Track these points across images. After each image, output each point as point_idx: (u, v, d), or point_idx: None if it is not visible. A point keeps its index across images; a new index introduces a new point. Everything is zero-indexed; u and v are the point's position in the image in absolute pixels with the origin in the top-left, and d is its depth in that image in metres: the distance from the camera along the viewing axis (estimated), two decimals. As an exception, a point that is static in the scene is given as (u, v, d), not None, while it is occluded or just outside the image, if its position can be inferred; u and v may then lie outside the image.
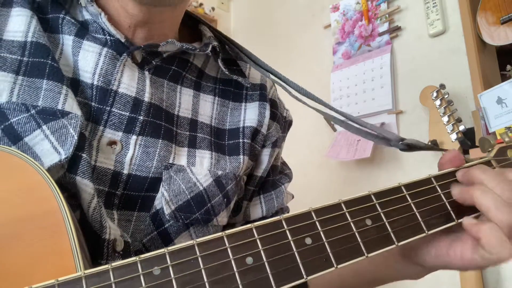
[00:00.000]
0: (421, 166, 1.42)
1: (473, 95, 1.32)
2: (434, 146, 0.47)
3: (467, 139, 1.26)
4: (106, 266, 0.27)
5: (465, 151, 1.29)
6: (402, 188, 0.39)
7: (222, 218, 0.49)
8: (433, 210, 0.38)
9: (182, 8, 0.51)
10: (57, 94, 0.40)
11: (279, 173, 0.60)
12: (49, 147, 0.38)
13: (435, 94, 1.33)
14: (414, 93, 1.44)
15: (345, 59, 1.73)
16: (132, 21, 0.47)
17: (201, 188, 0.46)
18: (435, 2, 1.45)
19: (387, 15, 1.60)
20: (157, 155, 0.44)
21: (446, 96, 1.31)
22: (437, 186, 0.40)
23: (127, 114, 0.44)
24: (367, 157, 1.49)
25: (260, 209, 0.56)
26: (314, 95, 0.52)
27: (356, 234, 0.34)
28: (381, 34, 1.61)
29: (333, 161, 1.67)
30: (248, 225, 0.31)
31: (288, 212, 0.61)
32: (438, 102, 1.32)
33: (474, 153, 1.24)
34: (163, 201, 0.44)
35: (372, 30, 1.65)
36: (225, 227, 0.52)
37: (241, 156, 0.51)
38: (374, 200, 0.37)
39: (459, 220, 0.39)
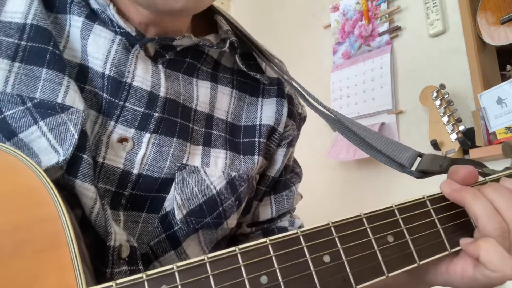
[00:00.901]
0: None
1: (473, 95, 1.32)
2: (446, 168, 0.42)
3: (467, 139, 1.26)
4: (111, 283, 0.25)
5: (465, 151, 1.29)
6: (427, 202, 0.36)
7: (232, 221, 0.47)
8: (458, 226, 0.36)
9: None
10: (58, 85, 0.36)
11: (290, 171, 0.58)
12: (46, 145, 0.34)
13: (435, 94, 1.33)
14: (414, 93, 1.44)
15: (345, 59, 1.73)
16: (143, 19, 0.43)
17: (214, 191, 0.43)
18: (435, 2, 1.45)
19: (387, 15, 1.60)
20: (171, 155, 0.42)
21: (446, 96, 1.31)
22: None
23: (142, 110, 0.40)
24: (367, 157, 1.49)
25: (270, 210, 0.54)
26: (329, 107, 0.50)
27: (377, 252, 0.32)
28: (381, 34, 1.61)
29: (333, 161, 1.67)
30: (264, 240, 0.29)
31: (294, 210, 0.60)
32: (438, 102, 1.32)
33: (474, 153, 1.24)
34: (175, 205, 0.41)
35: (372, 30, 1.65)
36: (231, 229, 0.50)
37: (256, 157, 0.49)
38: (398, 214, 0.34)
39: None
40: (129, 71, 0.40)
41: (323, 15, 1.87)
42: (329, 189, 1.68)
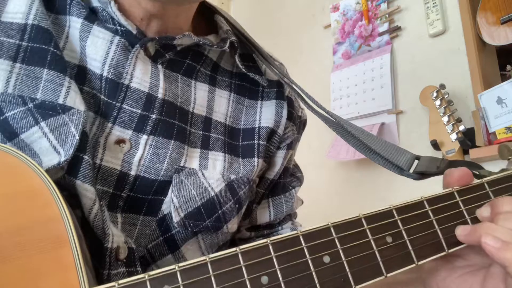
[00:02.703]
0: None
1: (473, 95, 1.32)
2: (443, 169, 0.43)
3: (467, 139, 1.26)
4: (113, 283, 0.25)
5: (465, 151, 1.29)
6: (425, 202, 0.37)
7: (233, 225, 0.46)
8: (455, 227, 0.36)
9: (195, 3, 0.47)
10: (59, 86, 0.36)
11: (290, 175, 0.57)
12: (47, 146, 0.35)
13: (435, 94, 1.33)
14: (414, 93, 1.44)
15: (345, 59, 1.73)
16: (145, 14, 0.43)
17: (212, 194, 0.43)
18: (435, 2, 1.45)
19: (387, 15, 1.60)
20: (168, 157, 0.41)
21: (446, 96, 1.31)
22: (459, 202, 0.38)
23: (139, 111, 0.40)
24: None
25: (268, 213, 0.53)
26: (328, 111, 0.50)
27: (376, 252, 0.32)
28: (381, 34, 1.61)
29: (333, 161, 1.67)
30: (264, 241, 0.29)
31: (295, 216, 0.59)
32: (438, 102, 1.32)
33: (474, 153, 1.24)
34: (172, 208, 0.41)
35: (372, 30, 1.65)
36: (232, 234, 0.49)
37: (256, 159, 0.48)
38: (396, 215, 0.35)
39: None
40: (127, 72, 0.40)
41: (323, 15, 1.87)
42: (329, 189, 1.67)
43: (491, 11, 1.32)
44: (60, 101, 0.36)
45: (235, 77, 0.52)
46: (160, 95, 0.42)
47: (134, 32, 0.41)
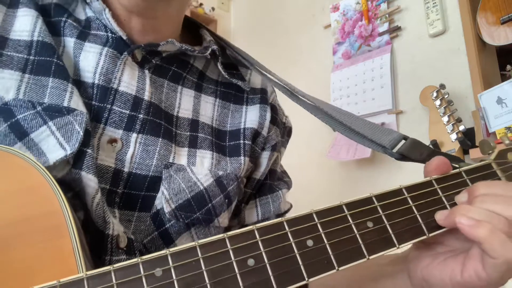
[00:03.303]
0: (421, 167, 1.42)
1: (473, 95, 1.32)
2: (425, 158, 0.45)
3: (467, 139, 1.26)
4: (108, 267, 0.27)
5: (465, 151, 1.29)
6: (403, 190, 0.38)
7: (224, 219, 0.48)
8: (434, 212, 0.38)
9: (176, 5, 0.50)
10: (63, 91, 0.41)
11: (278, 179, 0.60)
12: (54, 143, 0.38)
13: (435, 94, 1.33)
14: (414, 93, 1.44)
15: (345, 59, 1.73)
16: (125, 13, 0.47)
17: (201, 187, 0.46)
18: (435, 2, 1.45)
19: (387, 15, 1.60)
20: (157, 154, 0.45)
21: (446, 96, 1.31)
22: (438, 189, 0.40)
23: (127, 112, 0.44)
24: (367, 157, 1.49)
25: (255, 213, 0.55)
26: (311, 96, 0.52)
27: (357, 236, 0.34)
28: (381, 34, 1.61)
29: (333, 161, 1.67)
30: (250, 227, 0.31)
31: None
32: (438, 102, 1.32)
33: (474, 153, 1.24)
34: (163, 199, 0.43)
35: (372, 30, 1.65)
36: (224, 230, 0.51)
37: (242, 157, 0.51)
38: (376, 202, 0.36)
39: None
40: (116, 78, 0.45)
41: (323, 15, 1.87)
42: (329, 189, 1.68)
43: (491, 11, 1.32)
44: (65, 104, 0.40)
45: (220, 85, 0.56)
46: (146, 97, 0.46)
47: (125, 37, 0.46)
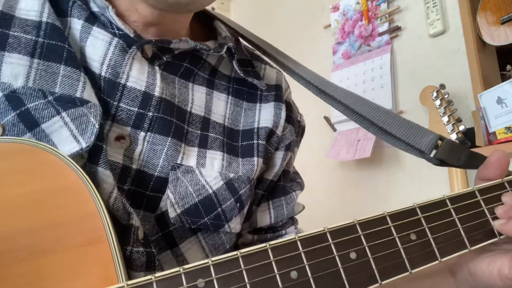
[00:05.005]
0: (421, 166, 1.42)
1: (473, 95, 1.32)
2: (465, 163, 0.42)
3: (467, 139, 1.26)
4: (150, 277, 0.26)
5: (465, 151, 1.29)
6: (447, 201, 0.38)
7: (236, 224, 0.46)
8: (476, 226, 0.38)
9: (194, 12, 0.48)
10: (76, 81, 0.38)
11: (291, 180, 0.57)
12: (67, 135, 0.36)
13: (435, 94, 1.33)
14: (414, 93, 1.44)
15: (345, 59, 1.73)
16: (142, 20, 0.44)
17: (210, 191, 0.43)
18: (435, 2, 1.45)
19: (387, 15, 1.60)
20: (164, 154, 0.42)
21: (446, 96, 1.31)
22: (481, 201, 0.39)
23: (136, 109, 0.42)
24: (367, 157, 1.49)
25: (268, 216, 0.53)
26: (342, 89, 0.47)
27: (401, 250, 0.33)
28: (381, 34, 1.61)
29: (333, 161, 1.67)
30: (293, 237, 0.30)
31: (297, 223, 0.59)
32: (438, 102, 1.32)
33: (474, 153, 1.24)
34: (168, 203, 0.42)
35: (372, 30, 1.65)
36: (236, 236, 0.49)
37: (255, 158, 0.49)
38: (419, 213, 0.36)
39: (502, 237, 0.38)
40: (123, 72, 0.42)
41: (323, 15, 1.87)
42: (329, 189, 1.67)
43: (491, 11, 1.32)
44: (78, 94, 0.38)
45: (233, 82, 0.53)
46: (157, 93, 0.43)
47: (132, 35, 0.43)
